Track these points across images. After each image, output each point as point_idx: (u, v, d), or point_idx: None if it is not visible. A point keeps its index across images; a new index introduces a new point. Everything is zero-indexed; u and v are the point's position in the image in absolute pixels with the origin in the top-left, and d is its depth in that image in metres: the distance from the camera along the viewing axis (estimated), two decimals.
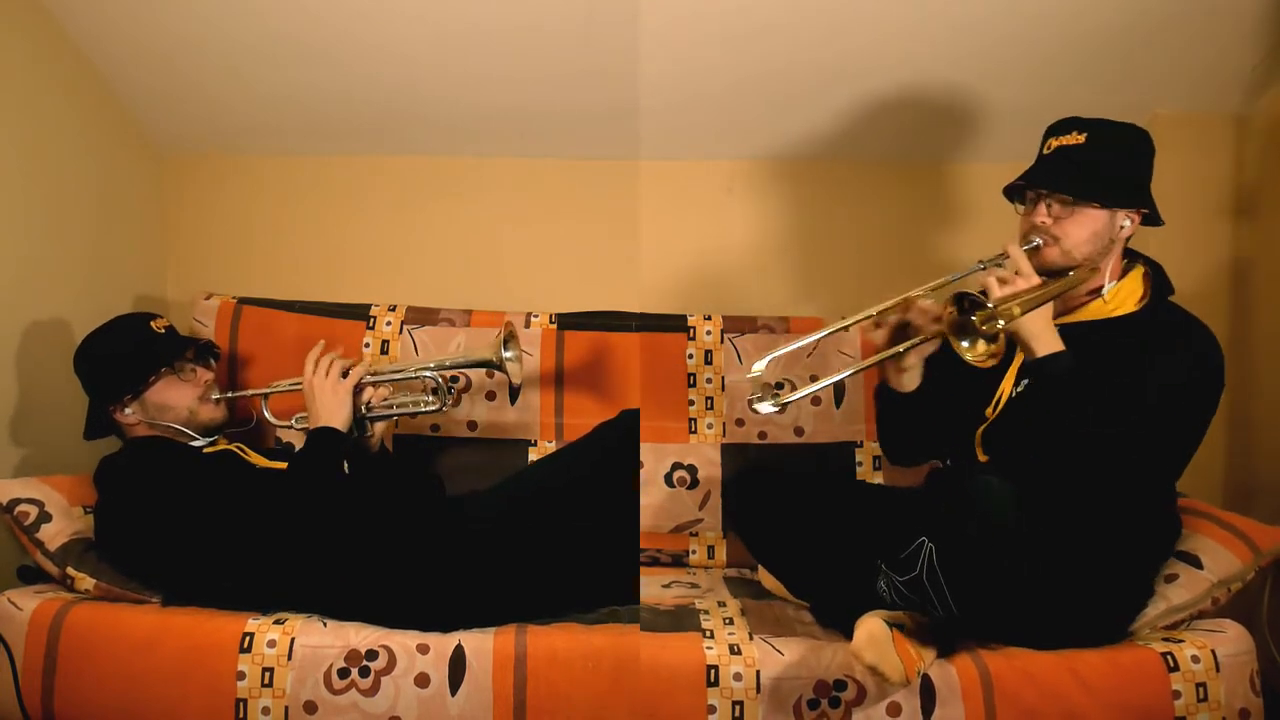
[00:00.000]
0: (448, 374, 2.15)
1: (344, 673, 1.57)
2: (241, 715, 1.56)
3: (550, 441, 2.27)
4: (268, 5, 2.09)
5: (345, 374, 1.85)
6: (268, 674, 1.57)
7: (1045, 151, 1.73)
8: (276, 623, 1.62)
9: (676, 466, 2.25)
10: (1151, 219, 1.73)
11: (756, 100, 2.34)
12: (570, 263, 2.55)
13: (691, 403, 2.29)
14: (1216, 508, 1.83)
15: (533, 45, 2.18)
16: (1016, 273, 1.62)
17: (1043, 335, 1.59)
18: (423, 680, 1.56)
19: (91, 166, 2.29)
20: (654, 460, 2.25)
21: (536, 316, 2.34)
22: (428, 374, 1.93)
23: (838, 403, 2.28)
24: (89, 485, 1.85)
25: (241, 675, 1.57)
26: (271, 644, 1.58)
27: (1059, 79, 2.24)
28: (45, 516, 1.79)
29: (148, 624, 1.64)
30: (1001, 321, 1.53)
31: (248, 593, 1.71)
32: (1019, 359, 1.73)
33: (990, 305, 1.54)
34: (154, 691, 1.59)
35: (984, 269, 1.67)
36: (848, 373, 1.76)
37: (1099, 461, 1.55)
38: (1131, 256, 1.78)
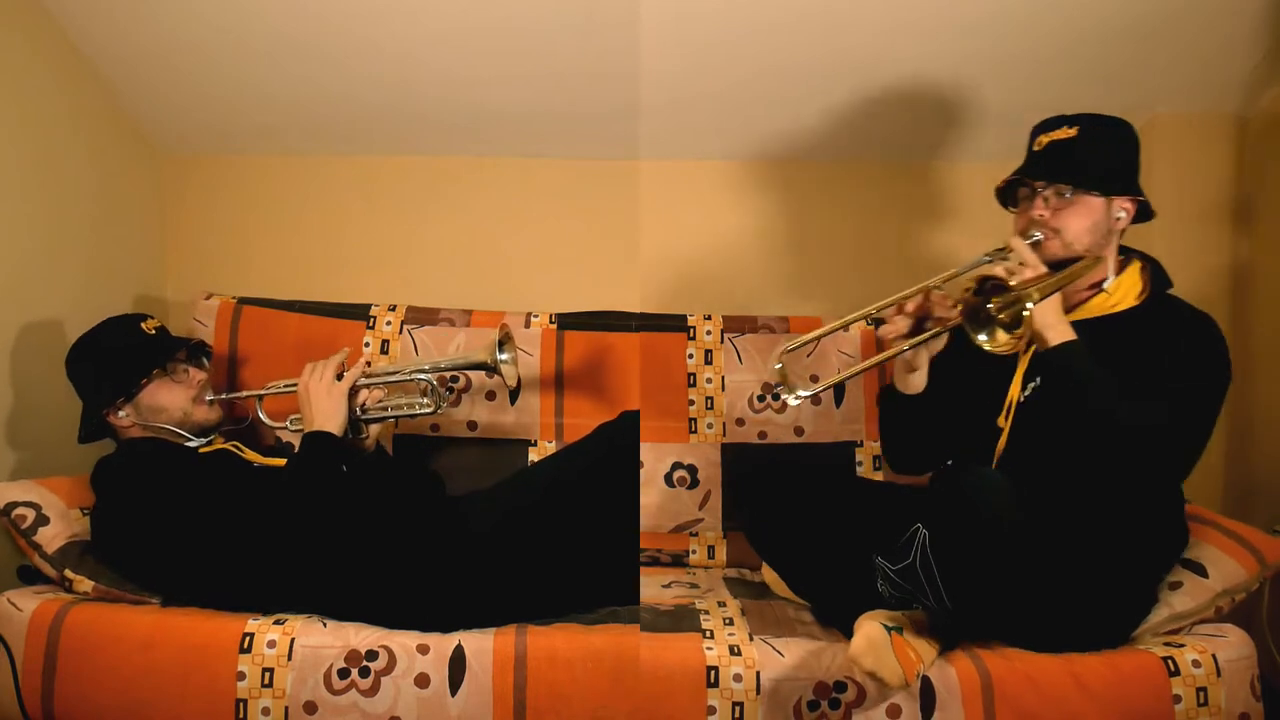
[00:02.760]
0: (444, 376, 2.15)
1: (344, 673, 1.57)
2: (241, 715, 1.56)
3: (550, 441, 2.27)
4: (268, 5, 2.09)
5: (340, 377, 1.85)
6: (268, 674, 1.57)
7: (1036, 148, 1.74)
8: (276, 623, 1.62)
9: (676, 466, 2.25)
10: (1144, 210, 1.74)
11: (756, 100, 2.34)
12: (570, 263, 2.55)
13: (691, 403, 2.29)
14: (1221, 515, 1.82)
15: (533, 45, 2.18)
16: (1022, 264, 1.62)
17: (1056, 324, 1.60)
18: (423, 680, 1.56)
19: (91, 167, 2.29)
20: (654, 460, 2.25)
21: (536, 316, 2.34)
22: (423, 376, 1.93)
23: (838, 402, 2.28)
24: (86, 487, 1.84)
25: (241, 676, 1.57)
26: (271, 644, 1.58)
27: (1059, 79, 2.24)
28: (43, 519, 1.79)
29: (147, 624, 1.64)
30: (1028, 304, 1.52)
31: (247, 593, 1.71)
32: (1023, 363, 1.73)
33: (1012, 285, 1.54)
34: (154, 692, 1.58)
35: (990, 261, 1.67)
36: (871, 362, 1.75)
37: (1132, 442, 1.55)
38: (1127, 252, 1.78)
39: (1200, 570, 1.68)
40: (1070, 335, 1.60)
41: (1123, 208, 1.71)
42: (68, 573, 1.74)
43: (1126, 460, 1.57)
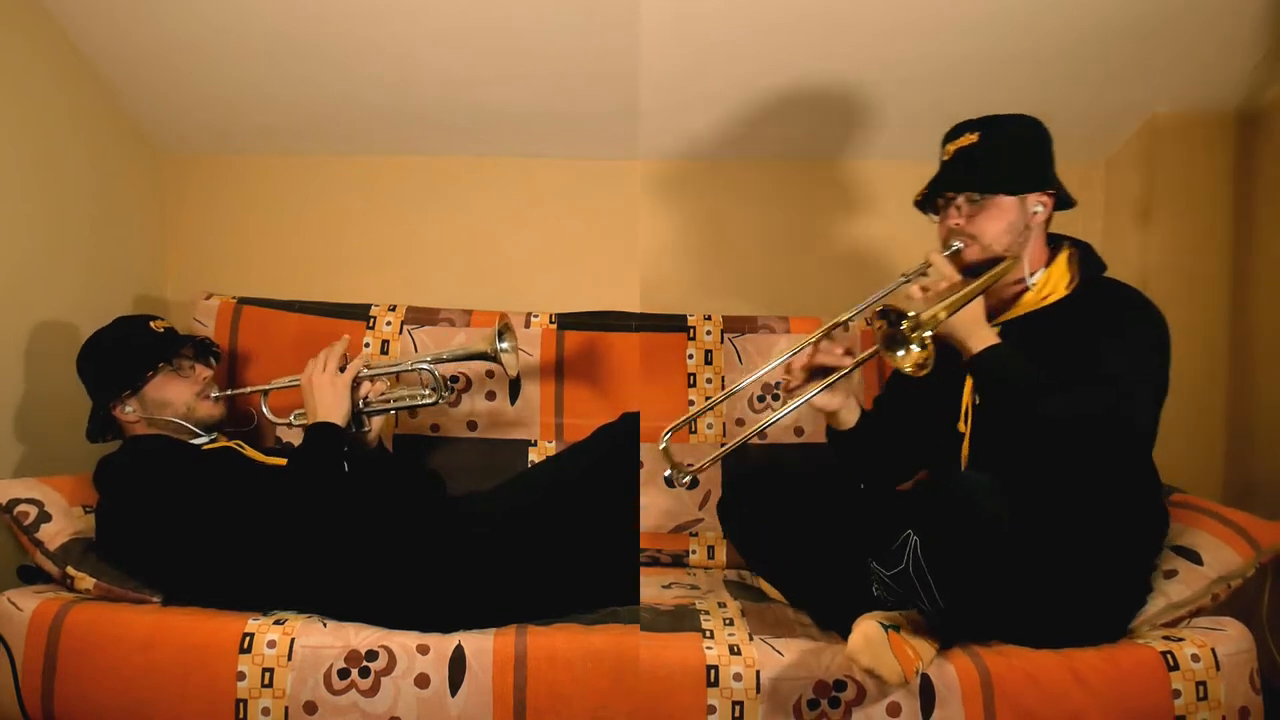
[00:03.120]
0: (445, 367, 2.15)
1: (344, 673, 1.57)
2: (241, 715, 1.56)
3: (550, 441, 2.27)
4: (268, 5, 2.09)
5: (342, 368, 1.86)
6: (268, 674, 1.57)
7: (945, 157, 1.76)
8: (276, 623, 1.62)
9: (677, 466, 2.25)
10: (1063, 200, 1.75)
11: (756, 100, 2.34)
12: (570, 263, 2.55)
13: (691, 403, 2.29)
14: (1216, 503, 1.82)
15: (533, 45, 2.18)
16: (938, 279, 1.64)
17: (975, 331, 1.61)
18: (423, 681, 1.56)
19: (91, 167, 2.29)
20: (654, 460, 2.24)
21: (536, 316, 2.34)
22: (424, 367, 1.94)
23: None
24: (89, 485, 1.84)
25: (241, 676, 1.57)
26: (271, 644, 1.58)
27: (1060, 79, 2.24)
28: (45, 516, 1.79)
29: (147, 624, 1.64)
30: (928, 330, 1.53)
31: (249, 591, 1.71)
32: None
33: (911, 314, 1.54)
34: (154, 691, 1.58)
35: (907, 281, 1.68)
36: (778, 416, 1.72)
37: (1073, 432, 1.54)
38: (1056, 241, 1.78)
39: (1194, 558, 1.69)
40: (992, 340, 1.60)
41: (1039, 202, 1.73)
42: (69, 570, 1.75)
43: (1075, 450, 1.57)
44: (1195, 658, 1.53)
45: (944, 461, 1.77)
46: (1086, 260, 1.76)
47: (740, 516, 1.90)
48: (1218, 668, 1.53)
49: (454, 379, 2.26)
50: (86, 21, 2.14)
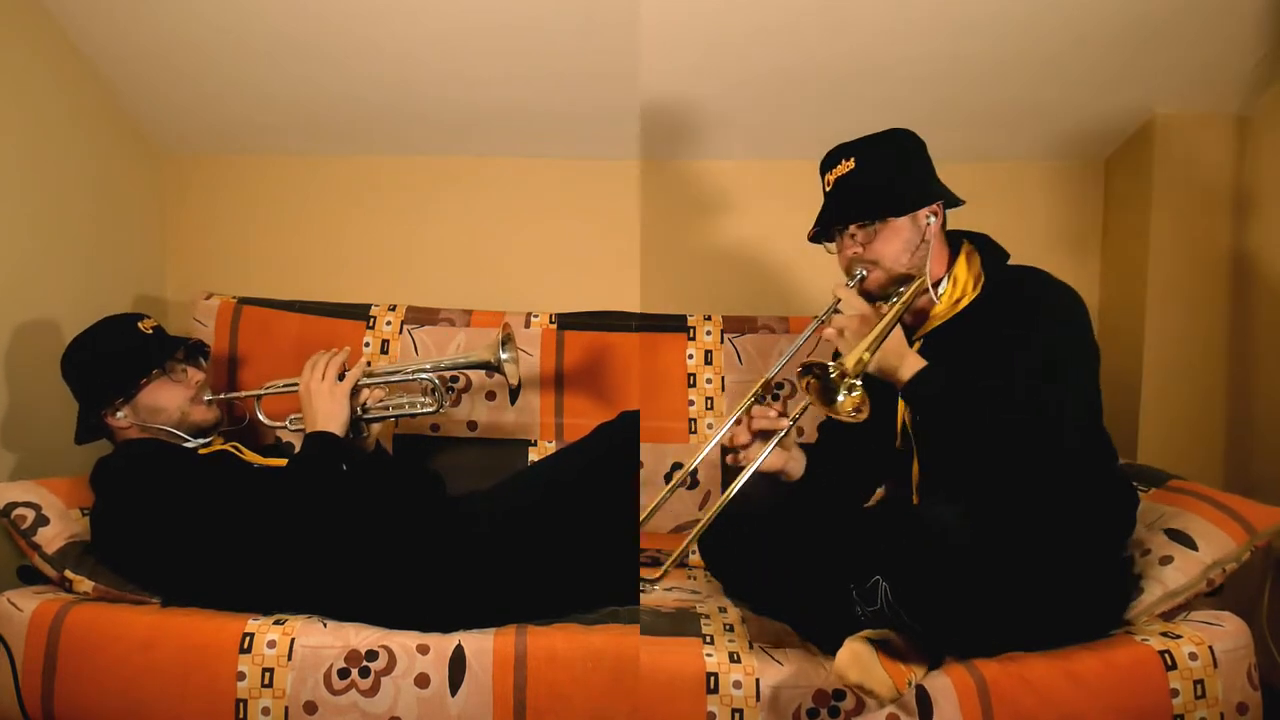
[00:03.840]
0: (445, 375, 2.15)
1: (344, 673, 1.57)
2: (241, 715, 1.56)
3: (550, 441, 2.27)
4: (268, 5, 2.09)
5: (342, 376, 1.85)
6: (268, 674, 1.57)
7: (827, 188, 1.75)
8: (276, 623, 1.62)
9: (676, 466, 2.25)
10: (951, 203, 1.74)
11: (756, 100, 2.34)
12: (570, 263, 2.55)
13: (691, 403, 2.29)
14: (1211, 488, 1.82)
15: (533, 45, 2.18)
16: (853, 312, 1.63)
17: (902, 362, 1.60)
18: (423, 681, 1.56)
19: (91, 166, 2.29)
20: (654, 460, 2.25)
21: (536, 316, 2.34)
22: (425, 375, 1.93)
23: None
24: (86, 488, 1.84)
25: (241, 676, 1.57)
26: (271, 644, 1.58)
27: (1060, 79, 2.24)
28: (43, 520, 1.79)
29: (147, 624, 1.64)
30: (856, 378, 1.53)
31: (247, 593, 1.70)
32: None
33: (834, 364, 1.54)
34: (154, 692, 1.59)
35: (822, 323, 1.68)
36: (736, 486, 1.71)
37: (1022, 443, 1.54)
38: (953, 241, 1.78)
39: (1189, 543, 1.69)
40: (919, 364, 1.60)
41: (930, 213, 1.72)
42: (68, 573, 1.74)
43: (1023, 456, 1.56)
44: (1193, 656, 1.53)
45: (894, 480, 1.76)
46: (987, 255, 1.75)
47: (722, 558, 1.89)
48: (1215, 665, 1.53)
49: (454, 379, 2.26)
50: (86, 21, 2.14)
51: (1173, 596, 1.65)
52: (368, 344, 2.30)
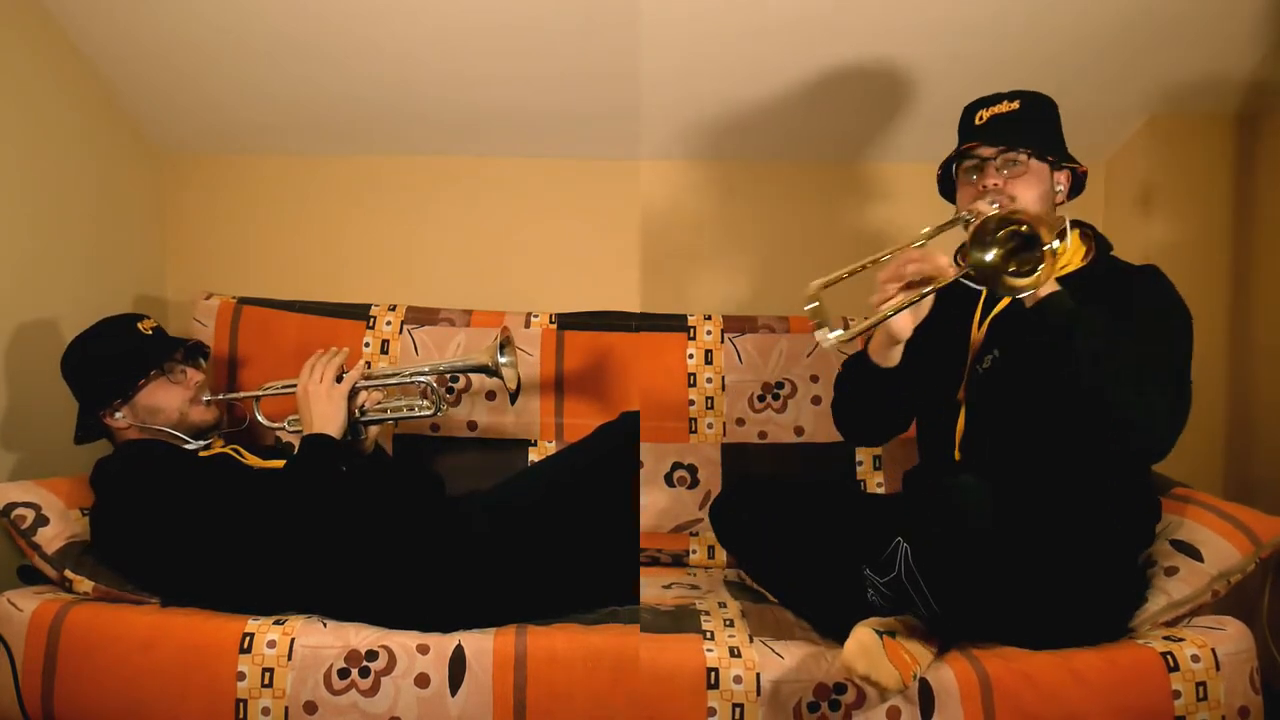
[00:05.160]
0: (443, 377, 2.15)
1: (344, 673, 1.57)
2: (241, 716, 1.56)
3: (550, 442, 2.27)
4: (267, 5, 2.09)
5: (339, 379, 1.85)
6: (268, 674, 1.57)
7: (978, 122, 1.75)
8: (276, 623, 1.62)
9: (676, 466, 2.25)
10: (1078, 185, 1.77)
11: (756, 100, 2.34)
12: (570, 263, 2.55)
13: (691, 402, 2.29)
14: (1215, 497, 1.82)
15: (533, 45, 2.18)
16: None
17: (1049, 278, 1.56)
18: (423, 681, 1.56)
19: (91, 166, 2.29)
20: (654, 460, 2.25)
21: (536, 316, 2.34)
22: (423, 378, 1.93)
23: None
24: (86, 488, 1.84)
25: (241, 676, 1.57)
26: (271, 644, 1.58)
27: (1060, 79, 2.22)
28: (42, 520, 1.78)
29: (147, 624, 1.64)
30: (1055, 241, 1.47)
31: (247, 594, 1.70)
32: (979, 334, 1.73)
33: (1028, 225, 1.48)
34: (154, 692, 1.58)
35: (969, 219, 1.62)
36: (906, 302, 1.58)
37: (1105, 413, 1.52)
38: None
39: (1194, 554, 1.68)
40: (1054, 285, 1.56)
41: (1061, 181, 1.75)
42: (68, 573, 1.74)
43: (1087, 433, 1.55)
44: (1195, 658, 1.53)
45: (934, 429, 1.74)
46: (1099, 238, 1.78)
47: (732, 521, 1.89)
48: (1218, 668, 1.53)
49: (454, 379, 2.26)
50: (86, 21, 2.14)
51: (1177, 607, 1.64)
52: (368, 344, 2.30)
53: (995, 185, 1.69)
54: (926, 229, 1.65)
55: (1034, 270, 1.49)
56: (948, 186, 1.85)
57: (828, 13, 2.09)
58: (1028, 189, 1.69)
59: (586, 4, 2.07)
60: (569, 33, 2.14)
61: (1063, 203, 1.77)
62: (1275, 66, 2.19)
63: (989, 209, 1.61)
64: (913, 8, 2.07)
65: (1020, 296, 1.55)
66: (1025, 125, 1.71)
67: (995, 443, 1.69)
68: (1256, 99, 2.28)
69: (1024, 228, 1.50)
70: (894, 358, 1.70)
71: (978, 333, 1.74)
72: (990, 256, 1.54)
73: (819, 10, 2.08)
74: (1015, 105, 1.73)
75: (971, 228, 1.54)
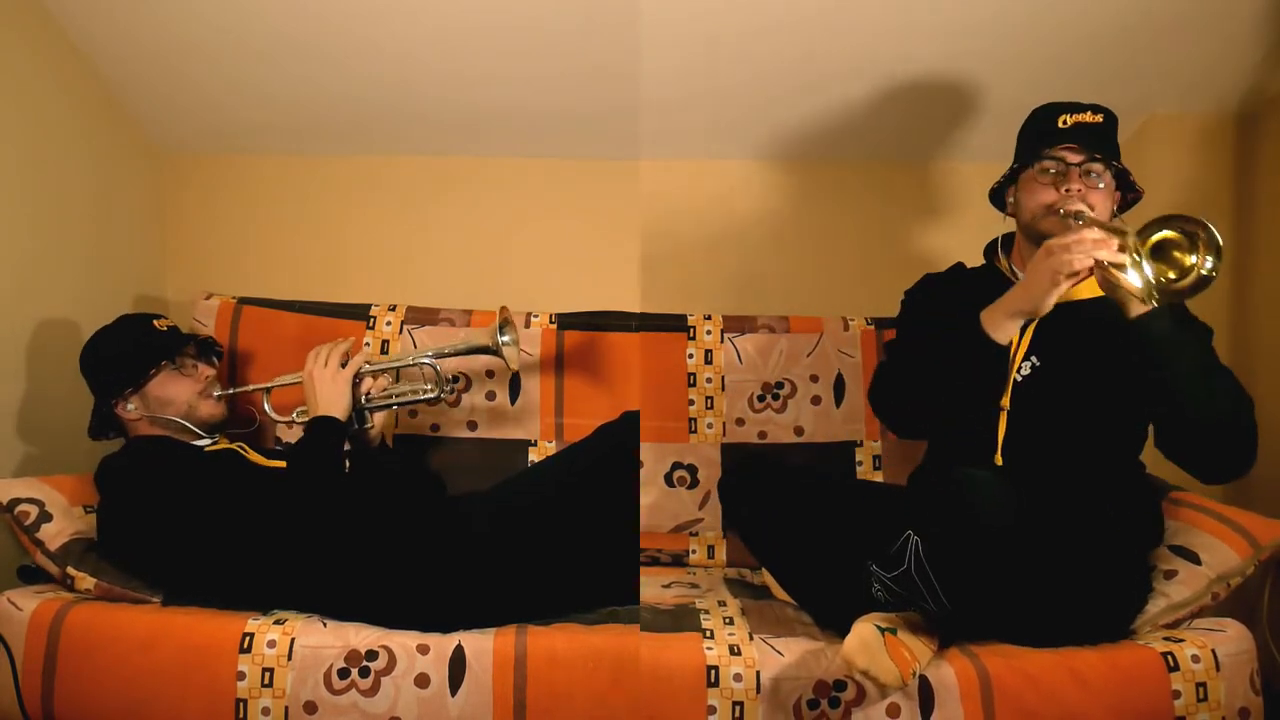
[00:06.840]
0: (446, 365, 2.16)
1: (344, 673, 1.57)
2: (241, 715, 1.56)
3: (550, 441, 2.27)
4: (268, 5, 2.09)
5: (344, 364, 1.86)
6: (268, 674, 1.57)
7: (1062, 125, 1.75)
8: (276, 623, 1.62)
9: (676, 466, 2.25)
10: (1127, 202, 1.79)
11: (756, 99, 2.34)
12: (570, 263, 2.55)
13: (691, 402, 2.29)
14: (1213, 501, 1.82)
15: (533, 45, 2.18)
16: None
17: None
18: (423, 680, 1.56)
19: (91, 166, 2.29)
20: (654, 460, 2.25)
21: (536, 316, 2.34)
22: (426, 362, 1.94)
23: (838, 402, 2.28)
24: (89, 485, 1.85)
25: (241, 675, 1.57)
26: (271, 644, 1.58)
27: (1060, 79, 2.24)
28: (46, 516, 1.79)
29: (147, 624, 1.64)
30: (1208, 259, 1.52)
31: (249, 591, 1.71)
32: (1023, 343, 1.73)
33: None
34: (154, 691, 1.58)
35: (1075, 219, 1.63)
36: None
37: (1215, 430, 1.56)
38: None
39: (1193, 558, 1.68)
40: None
41: (1123, 195, 1.76)
42: (70, 570, 1.74)
43: (1204, 443, 1.57)
44: (1195, 658, 1.53)
45: (976, 435, 1.74)
46: None
47: (742, 497, 1.90)
48: (1218, 668, 1.53)
49: (455, 379, 2.26)
50: (86, 21, 2.14)
51: (1176, 609, 1.65)
52: (368, 344, 2.30)
53: (1079, 191, 1.70)
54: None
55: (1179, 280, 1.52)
56: (1000, 185, 1.83)
57: (827, 13, 2.09)
58: (1102, 198, 1.71)
59: (586, 4, 2.07)
60: (569, 33, 2.14)
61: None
62: (1275, 66, 2.19)
63: (1090, 212, 1.62)
64: (912, 6, 2.07)
65: (1138, 314, 1.56)
66: (1110, 140, 1.74)
67: (1037, 448, 1.68)
68: (1256, 99, 2.28)
69: (1204, 248, 1.54)
70: (1011, 331, 1.67)
71: (1023, 340, 1.74)
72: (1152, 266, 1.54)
73: (817, 11, 2.08)
74: (1100, 118, 1.74)
75: (1184, 227, 1.57)
